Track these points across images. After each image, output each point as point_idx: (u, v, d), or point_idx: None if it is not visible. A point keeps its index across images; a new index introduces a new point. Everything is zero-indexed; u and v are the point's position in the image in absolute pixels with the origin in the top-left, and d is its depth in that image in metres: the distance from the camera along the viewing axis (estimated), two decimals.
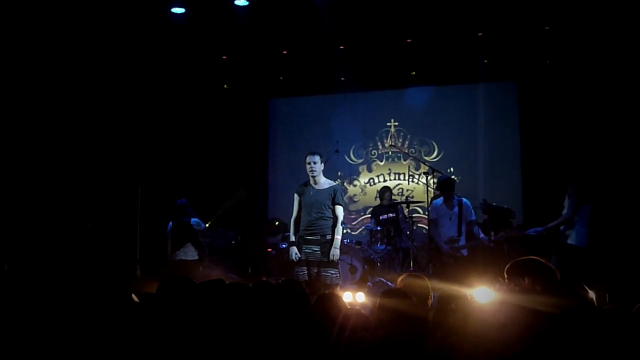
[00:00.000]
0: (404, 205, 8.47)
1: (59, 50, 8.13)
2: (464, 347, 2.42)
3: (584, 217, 5.84)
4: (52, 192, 8.31)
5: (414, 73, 9.31)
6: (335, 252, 5.79)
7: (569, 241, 5.82)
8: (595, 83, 8.19)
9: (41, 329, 2.74)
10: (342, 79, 9.53)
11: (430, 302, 3.76)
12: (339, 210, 5.90)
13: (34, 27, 7.73)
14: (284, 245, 8.66)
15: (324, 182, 6.00)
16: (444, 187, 7.28)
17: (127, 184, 8.13)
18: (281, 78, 9.79)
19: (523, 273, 3.26)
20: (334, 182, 6.24)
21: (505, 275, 3.38)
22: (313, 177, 5.94)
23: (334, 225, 5.86)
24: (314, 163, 5.90)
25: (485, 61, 8.95)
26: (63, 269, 6.47)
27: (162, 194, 8.51)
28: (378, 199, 9.03)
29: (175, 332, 2.61)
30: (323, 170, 6.09)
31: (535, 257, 3.44)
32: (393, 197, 8.95)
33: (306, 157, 5.99)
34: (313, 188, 5.95)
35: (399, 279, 4.06)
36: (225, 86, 9.97)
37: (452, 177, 7.82)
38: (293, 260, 5.93)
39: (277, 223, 9.22)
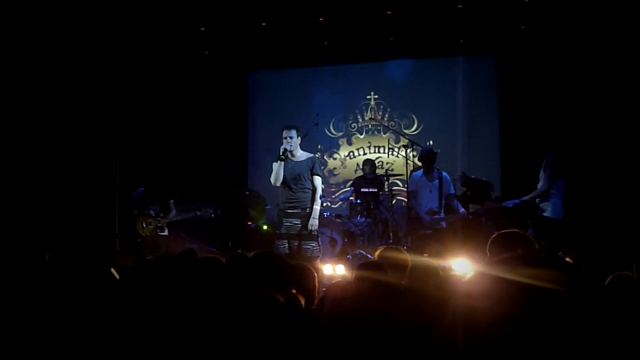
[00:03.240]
0: (385, 179, 8.50)
1: (34, 24, 7.96)
2: (441, 316, 2.45)
3: (559, 190, 5.93)
4: (29, 166, 8.20)
5: (392, 39, 9.25)
6: (313, 222, 5.83)
7: (545, 213, 5.91)
8: (574, 56, 8.24)
9: (21, 303, 2.72)
10: (325, 42, 9.40)
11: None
12: (317, 181, 5.94)
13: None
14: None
15: (301, 155, 6.02)
16: (427, 158, 7.32)
17: (104, 158, 8.06)
18: (264, 55, 9.68)
19: (506, 246, 3.30)
20: (312, 154, 6.25)
21: (488, 249, 3.42)
22: (290, 151, 5.94)
23: (313, 197, 5.89)
24: (290, 138, 5.90)
25: (462, 41, 8.96)
26: (41, 242, 6.43)
27: (140, 168, 8.45)
28: (359, 171, 9.03)
29: (150, 306, 2.61)
30: (303, 144, 6.09)
31: (517, 230, 3.48)
32: (376, 170, 8.96)
33: (283, 130, 5.98)
34: (291, 161, 5.95)
35: (376, 252, 4.10)
36: (205, 52, 9.80)
37: (433, 149, 7.85)
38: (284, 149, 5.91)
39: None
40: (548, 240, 5.80)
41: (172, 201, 7.57)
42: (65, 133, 8.56)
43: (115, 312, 2.59)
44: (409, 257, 3.94)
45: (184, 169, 9.33)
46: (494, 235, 3.48)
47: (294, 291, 2.88)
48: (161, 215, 7.45)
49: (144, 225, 7.39)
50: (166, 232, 7.55)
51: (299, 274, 3.32)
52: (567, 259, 3.05)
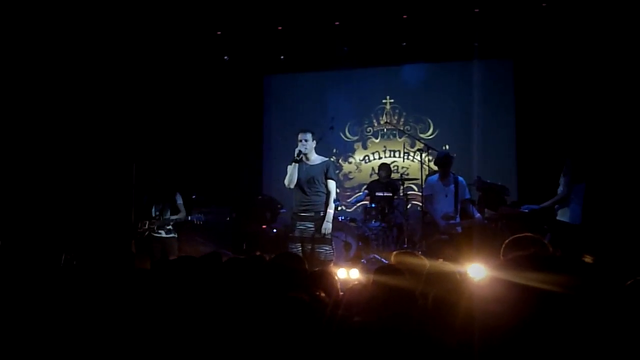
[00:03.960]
0: (400, 183, 8.46)
1: (45, 28, 8.04)
2: (454, 320, 2.42)
3: (578, 195, 5.86)
4: (45, 168, 8.26)
5: (405, 44, 9.22)
6: (327, 226, 5.81)
7: (563, 219, 5.84)
8: (590, 61, 8.16)
9: (38, 304, 2.73)
10: (345, 49, 9.40)
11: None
12: (332, 185, 5.93)
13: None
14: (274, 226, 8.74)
15: (315, 159, 6.02)
16: (443, 162, 7.27)
17: (121, 160, 8.09)
18: (282, 57, 9.69)
19: (520, 250, 3.25)
20: (327, 158, 6.25)
21: (502, 253, 3.37)
22: (305, 154, 5.93)
23: (327, 201, 5.88)
24: (306, 141, 5.91)
25: (476, 44, 8.89)
26: (57, 244, 6.46)
27: (156, 171, 8.47)
28: (374, 175, 9.01)
29: (170, 307, 2.61)
30: (318, 147, 6.09)
31: (531, 234, 3.43)
32: (391, 175, 8.93)
33: (298, 134, 5.98)
34: (306, 164, 5.95)
35: (392, 256, 4.07)
36: (225, 57, 9.84)
37: (450, 153, 7.80)
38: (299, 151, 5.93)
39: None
40: (565, 246, 5.72)
41: (180, 202, 7.42)
42: (83, 135, 8.62)
43: (133, 313, 2.59)
44: (426, 262, 3.91)
45: (200, 172, 9.37)
46: (507, 240, 3.42)
47: (321, 294, 2.88)
48: (156, 215, 7.34)
49: (139, 226, 7.34)
50: (166, 234, 7.28)
51: (321, 278, 3.32)
52: (587, 259, 2.99)
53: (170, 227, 7.25)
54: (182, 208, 7.39)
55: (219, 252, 3.66)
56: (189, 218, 7.24)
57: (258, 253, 3.55)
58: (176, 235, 7.36)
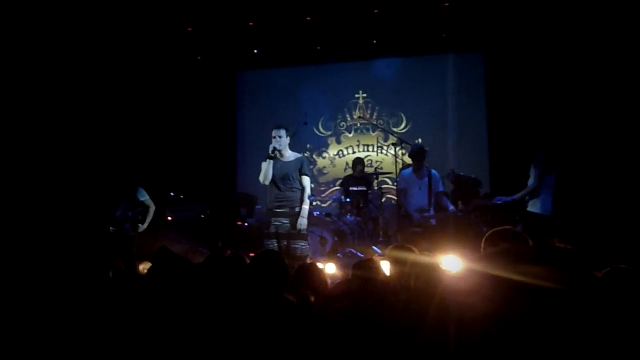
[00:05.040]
0: (374, 177, 8.51)
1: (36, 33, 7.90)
2: (430, 312, 2.45)
3: (549, 186, 5.94)
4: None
5: (375, 41, 9.27)
6: (302, 222, 5.82)
7: (534, 210, 5.91)
8: (561, 52, 8.26)
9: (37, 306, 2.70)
10: (317, 47, 9.43)
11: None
12: (306, 181, 5.95)
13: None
14: (249, 222, 8.72)
15: (290, 155, 6.03)
16: (417, 155, 7.33)
17: (93, 160, 8.00)
18: (255, 51, 9.66)
19: (501, 243, 3.29)
20: (300, 154, 6.26)
21: (483, 246, 3.41)
22: (279, 150, 5.94)
23: (302, 197, 5.89)
24: (280, 137, 5.91)
25: (448, 38, 8.96)
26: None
27: (128, 169, 8.38)
28: (348, 170, 9.04)
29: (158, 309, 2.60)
30: (292, 143, 6.09)
31: (510, 227, 3.48)
32: (365, 169, 8.96)
33: (272, 130, 5.98)
34: (280, 161, 5.95)
35: (386, 250, 4.09)
36: (198, 57, 9.78)
37: (424, 146, 7.86)
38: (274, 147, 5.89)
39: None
40: (536, 236, 5.81)
41: (144, 198, 7.15)
42: (58, 133, 8.46)
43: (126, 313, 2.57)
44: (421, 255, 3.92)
45: (173, 169, 9.29)
46: (487, 233, 3.46)
47: (308, 293, 2.89)
48: (117, 213, 7.16)
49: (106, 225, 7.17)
50: (131, 232, 7.00)
51: (309, 273, 3.32)
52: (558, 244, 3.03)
53: (132, 223, 7.00)
54: (149, 203, 7.13)
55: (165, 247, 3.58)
56: (129, 214, 6.97)
57: (229, 252, 3.52)
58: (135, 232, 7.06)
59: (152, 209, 7.16)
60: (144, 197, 7.13)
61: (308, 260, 5.70)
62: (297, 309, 2.54)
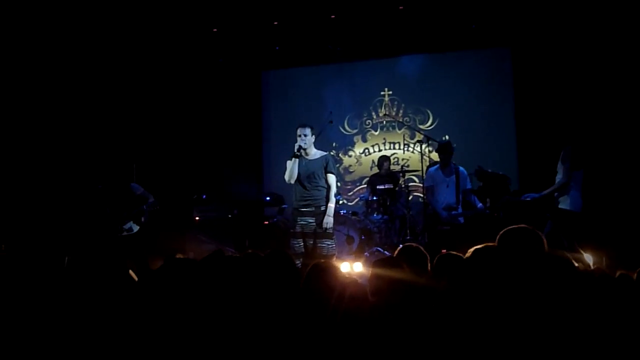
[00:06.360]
0: (401, 175, 8.46)
1: (46, 28, 8.02)
2: (459, 309, 2.43)
3: (578, 182, 5.84)
4: (45, 169, 8.24)
5: (400, 37, 9.19)
6: (328, 220, 5.81)
7: (564, 206, 5.82)
8: (588, 47, 8.11)
9: (41, 306, 2.73)
10: (338, 49, 9.43)
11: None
12: (332, 179, 5.93)
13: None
14: (276, 220, 8.74)
15: (315, 153, 6.02)
16: (445, 149, 7.26)
17: (121, 160, 8.09)
18: (277, 48, 9.68)
19: (514, 241, 3.20)
20: (326, 152, 6.25)
21: (497, 244, 3.33)
22: (304, 149, 5.93)
23: (328, 195, 5.88)
24: (305, 135, 5.90)
25: (475, 34, 8.84)
26: (58, 246, 6.44)
27: (156, 171, 8.48)
28: (375, 168, 9.01)
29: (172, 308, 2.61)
30: (318, 142, 6.09)
31: (526, 226, 3.40)
32: (391, 166, 8.93)
33: (297, 129, 5.98)
34: (305, 159, 5.95)
35: (396, 251, 4.06)
36: (220, 60, 9.85)
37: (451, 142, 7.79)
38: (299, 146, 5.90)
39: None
40: (567, 233, 5.72)
41: (139, 192, 6.93)
42: (83, 135, 8.60)
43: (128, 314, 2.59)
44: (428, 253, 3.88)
45: (201, 170, 9.37)
46: (502, 231, 3.36)
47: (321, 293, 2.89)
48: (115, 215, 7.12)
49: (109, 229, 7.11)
50: (127, 232, 6.88)
51: (324, 271, 3.31)
52: (585, 252, 2.98)
53: (130, 224, 6.88)
54: (146, 195, 6.96)
55: (221, 249, 3.63)
56: (144, 207, 6.84)
57: (250, 251, 3.51)
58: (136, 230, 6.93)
59: (151, 199, 6.95)
60: (139, 190, 6.97)
61: (335, 259, 5.69)
62: (308, 308, 2.53)
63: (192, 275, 2.97)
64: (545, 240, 2.75)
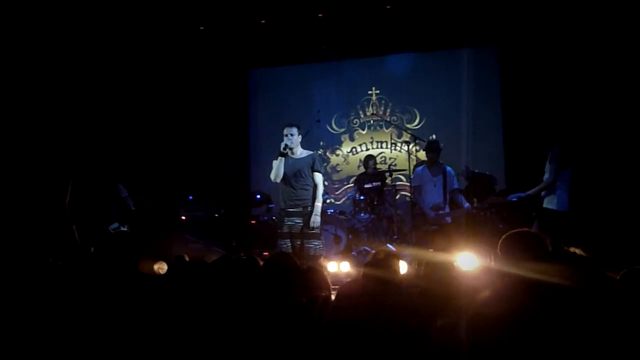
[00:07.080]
0: (388, 174, 8.46)
1: (30, 27, 7.92)
2: (446, 310, 2.42)
3: (564, 182, 5.85)
4: (29, 167, 8.14)
5: (389, 36, 9.20)
6: (315, 220, 5.78)
7: (551, 206, 5.83)
8: (577, 45, 8.15)
9: (29, 306, 2.70)
10: (324, 47, 9.42)
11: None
12: (318, 178, 5.91)
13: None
14: (265, 218, 8.70)
15: (301, 152, 5.99)
16: (432, 147, 7.28)
17: (106, 159, 8.01)
18: (261, 47, 9.64)
19: (518, 244, 3.19)
20: (312, 151, 6.23)
21: (499, 247, 3.31)
22: (290, 148, 5.91)
23: (314, 194, 5.86)
24: (291, 135, 5.88)
25: (462, 33, 8.86)
26: (43, 245, 6.38)
27: (142, 170, 8.41)
28: (362, 167, 9.01)
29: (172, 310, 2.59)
30: (305, 140, 6.07)
31: (529, 230, 3.39)
32: (377, 165, 8.93)
33: (284, 128, 5.96)
34: (291, 158, 5.93)
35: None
36: (205, 59, 9.80)
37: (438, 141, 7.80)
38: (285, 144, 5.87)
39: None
40: (553, 233, 5.73)
41: (124, 195, 7.06)
42: (67, 134, 8.50)
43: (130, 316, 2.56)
44: (415, 252, 3.88)
45: (186, 168, 9.31)
46: (506, 235, 3.34)
47: (318, 293, 2.87)
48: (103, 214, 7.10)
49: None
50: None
51: (311, 275, 3.30)
52: (578, 252, 2.94)
53: (116, 224, 6.92)
54: (129, 201, 7.06)
55: (226, 254, 3.62)
56: (130, 206, 6.92)
57: (242, 255, 3.50)
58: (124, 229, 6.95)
59: (131, 204, 7.05)
60: (124, 193, 7.07)
61: (322, 260, 5.67)
62: (307, 309, 2.52)
63: (202, 278, 2.97)
64: (548, 243, 2.73)
